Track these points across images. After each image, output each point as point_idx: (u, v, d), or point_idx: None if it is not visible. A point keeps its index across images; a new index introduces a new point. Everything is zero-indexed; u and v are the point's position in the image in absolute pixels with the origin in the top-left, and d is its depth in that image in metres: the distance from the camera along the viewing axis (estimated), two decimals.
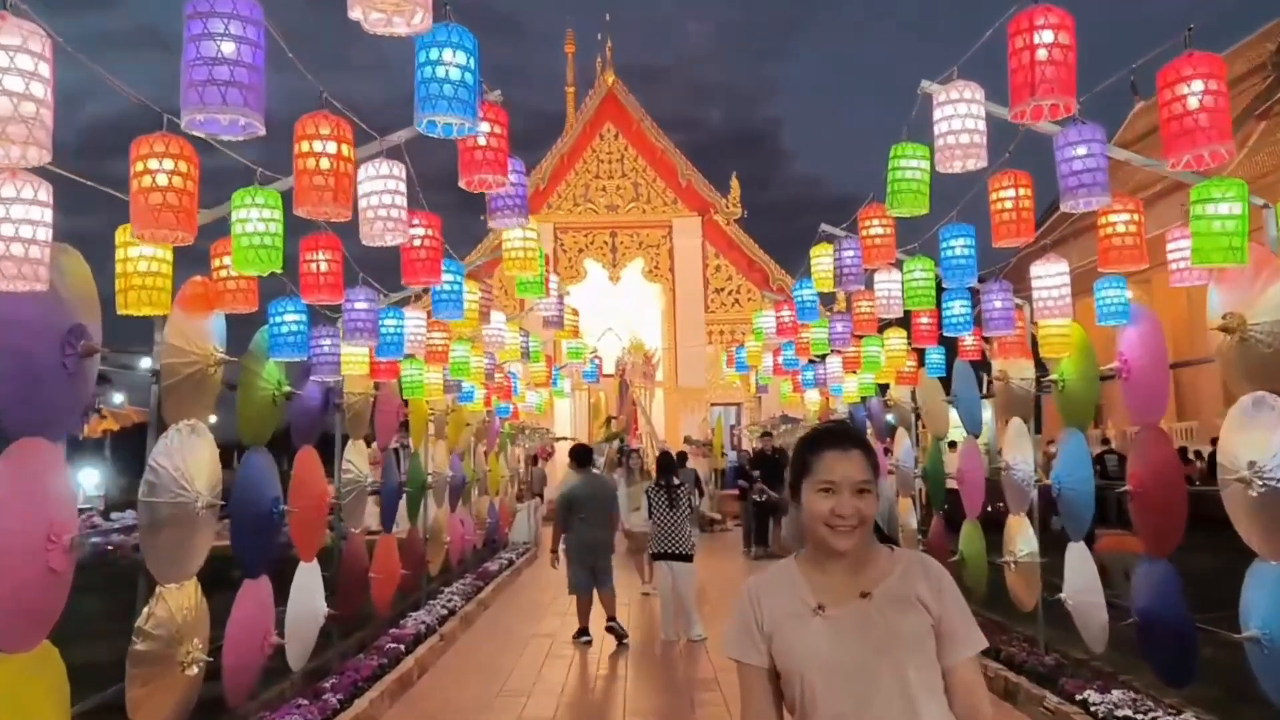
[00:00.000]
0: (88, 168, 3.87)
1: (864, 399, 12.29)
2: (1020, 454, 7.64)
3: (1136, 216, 4.90)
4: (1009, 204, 4.98)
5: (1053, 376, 6.88)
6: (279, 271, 4.30)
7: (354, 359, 7.28)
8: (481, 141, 4.17)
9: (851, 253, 7.04)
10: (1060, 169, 4.21)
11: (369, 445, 9.80)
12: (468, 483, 12.88)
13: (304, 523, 6.56)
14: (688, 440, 25.76)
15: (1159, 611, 5.60)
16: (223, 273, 4.93)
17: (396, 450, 12.56)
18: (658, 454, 13.32)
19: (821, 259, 7.82)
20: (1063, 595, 6.77)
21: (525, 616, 11.27)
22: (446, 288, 6.24)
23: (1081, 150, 4.14)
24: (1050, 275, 5.87)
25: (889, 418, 12.13)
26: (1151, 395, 5.70)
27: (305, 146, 3.69)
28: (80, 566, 12.75)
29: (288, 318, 5.69)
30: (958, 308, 7.60)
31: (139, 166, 3.40)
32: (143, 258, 4.07)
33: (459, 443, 12.82)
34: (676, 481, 10.00)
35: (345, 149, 3.76)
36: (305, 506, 6.54)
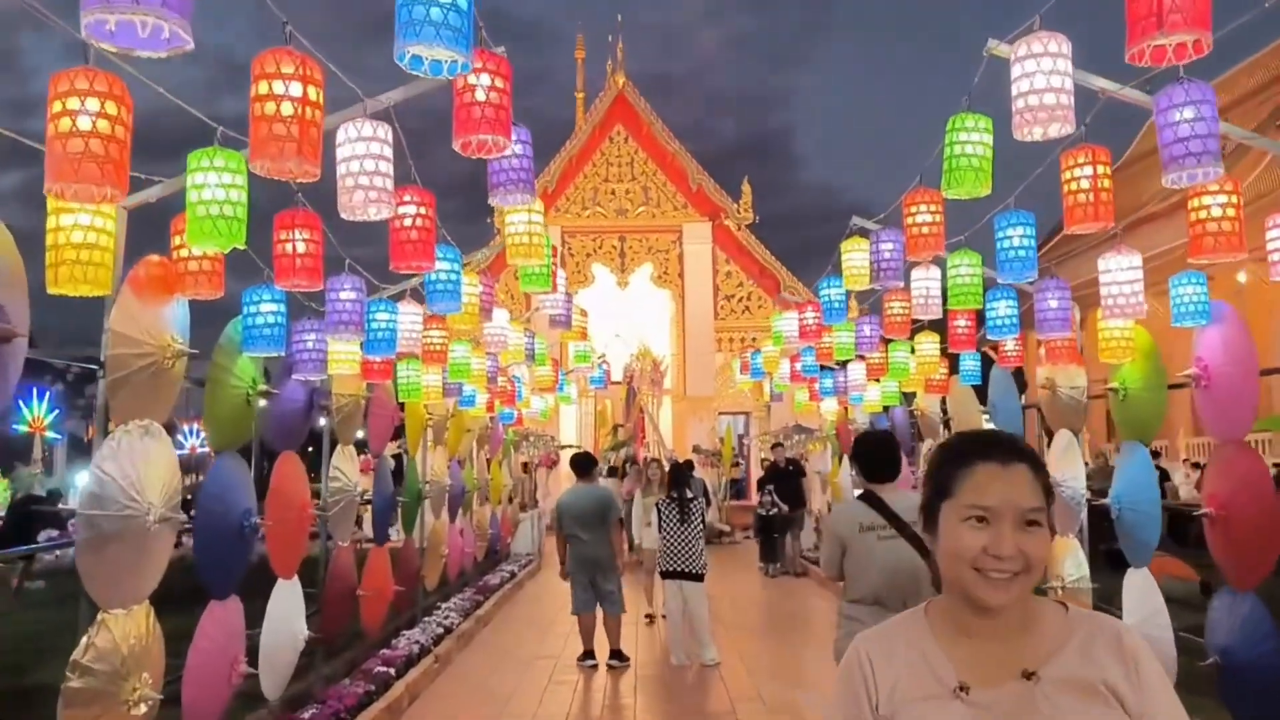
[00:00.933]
0: None
1: (887, 409, 11.64)
2: (1069, 469, 6.98)
3: (1234, 199, 4.25)
4: (1085, 183, 4.33)
5: (1113, 384, 6.21)
6: (241, 247, 3.66)
7: (343, 357, 6.65)
8: (480, 96, 3.53)
9: (891, 245, 6.38)
10: (1162, 135, 3.55)
11: (361, 451, 9.18)
12: (468, 492, 12.24)
13: (282, 536, 5.92)
14: (696, 449, 25.13)
15: (1244, 651, 4.93)
16: (183, 251, 4.30)
17: (399, 456, 11.94)
18: (667, 464, 12.66)
19: (854, 254, 7.16)
20: None
21: (527, 635, 10.60)
22: (442, 276, 5.58)
23: (1189, 113, 3.49)
24: (1120, 270, 5.21)
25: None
26: (1236, 405, 5.04)
27: (264, 88, 3.04)
28: (64, 572, 11.97)
29: (264, 307, 5.05)
30: (1003, 308, 6.95)
31: (56, 107, 2.75)
32: (78, 227, 3.43)
33: (459, 449, 12.19)
34: (689, 495, 9.34)
35: (313, 92, 3.11)
36: (284, 518, 5.90)
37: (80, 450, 39.66)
